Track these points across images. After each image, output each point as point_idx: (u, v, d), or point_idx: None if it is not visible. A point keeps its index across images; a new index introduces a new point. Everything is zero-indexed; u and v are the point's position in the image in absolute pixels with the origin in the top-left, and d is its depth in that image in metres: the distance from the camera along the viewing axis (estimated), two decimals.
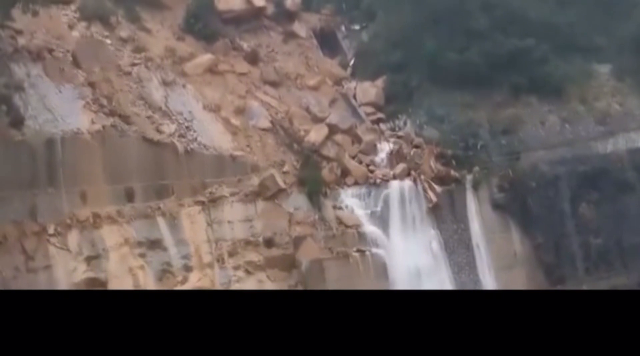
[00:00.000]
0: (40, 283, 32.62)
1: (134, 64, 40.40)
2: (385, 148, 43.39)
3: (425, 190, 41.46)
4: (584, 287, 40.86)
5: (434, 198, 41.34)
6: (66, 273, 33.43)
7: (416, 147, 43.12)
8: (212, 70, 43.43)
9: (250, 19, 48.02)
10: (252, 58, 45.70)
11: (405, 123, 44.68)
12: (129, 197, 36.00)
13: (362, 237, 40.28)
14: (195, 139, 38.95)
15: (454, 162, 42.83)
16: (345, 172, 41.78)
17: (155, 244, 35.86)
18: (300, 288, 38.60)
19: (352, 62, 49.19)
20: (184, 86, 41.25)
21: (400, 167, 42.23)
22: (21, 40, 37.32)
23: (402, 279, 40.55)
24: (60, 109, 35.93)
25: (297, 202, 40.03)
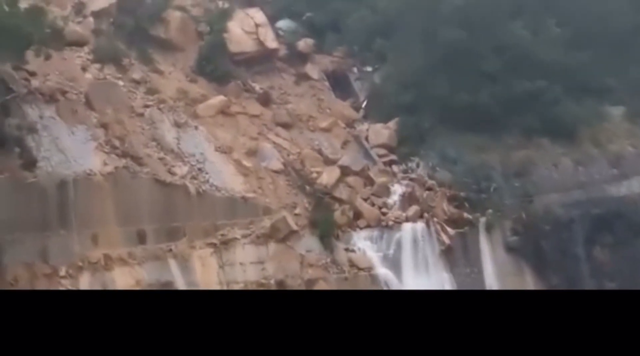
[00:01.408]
0: None
1: (146, 106, 40.53)
2: (397, 190, 43.20)
3: (438, 233, 41.29)
4: None
5: (446, 241, 41.15)
6: None
7: (429, 189, 42.99)
8: (224, 112, 43.48)
9: (262, 60, 48.12)
10: (264, 100, 45.77)
11: (417, 166, 44.53)
12: (141, 238, 35.93)
13: (374, 279, 40.08)
14: (207, 181, 38.92)
15: (466, 205, 42.65)
16: (357, 215, 41.62)
17: (166, 286, 35.65)
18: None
19: (364, 104, 49.18)
20: (196, 128, 41.28)
21: (413, 209, 42.05)
22: (34, 82, 37.51)
23: None
24: (72, 151, 36.02)
25: (309, 244, 39.87)
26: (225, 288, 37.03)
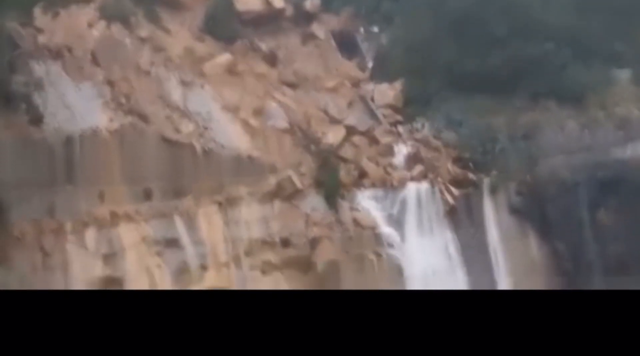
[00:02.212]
0: (56, 280, 32.78)
1: (152, 64, 40.51)
2: (402, 150, 43.31)
3: (442, 193, 41.36)
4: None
5: (451, 201, 41.24)
6: (83, 271, 33.59)
7: (434, 150, 43.01)
8: (230, 70, 43.48)
9: (269, 20, 48.02)
10: (271, 59, 45.74)
11: (423, 126, 44.55)
12: (147, 195, 36.14)
13: (378, 238, 40.27)
14: (213, 139, 39.03)
15: (471, 166, 42.66)
16: (362, 174, 41.76)
17: (172, 243, 35.99)
18: (316, 288, 38.66)
19: (370, 65, 49.13)
20: (202, 86, 41.32)
21: (418, 170, 42.15)
22: (41, 39, 37.56)
23: (417, 281, 40.49)
24: (79, 107, 36.14)
25: (314, 203, 40.03)
26: (230, 245, 37.35)
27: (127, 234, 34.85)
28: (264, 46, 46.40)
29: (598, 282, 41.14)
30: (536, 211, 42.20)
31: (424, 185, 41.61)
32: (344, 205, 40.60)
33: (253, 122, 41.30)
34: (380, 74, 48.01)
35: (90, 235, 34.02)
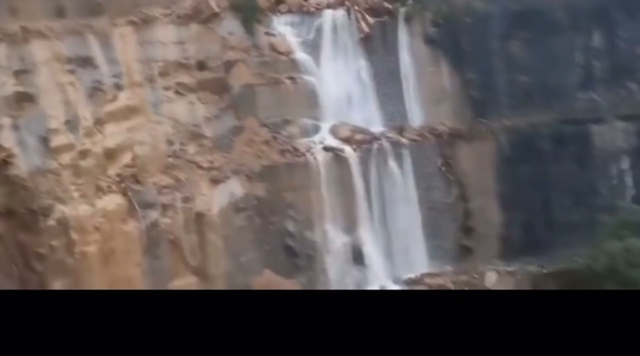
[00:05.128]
0: None
1: None
2: None
3: (357, 21, 41.82)
4: (506, 122, 42.23)
5: (366, 29, 41.78)
6: None
7: None
8: None
9: None
10: None
11: None
12: (60, 12, 35.88)
13: (293, 64, 40.94)
14: None
15: None
16: (279, 0, 41.86)
17: (86, 61, 36.05)
18: (230, 112, 39.49)
19: None
20: None
21: None
22: None
23: (332, 107, 41.55)
24: None
25: (230, 27, 40.26)
26: (145, 66, 37.66)
27: (40, 51, 34.77)
28: None
29: (505, 111, 42.67)
30: (449, 41, 42.98)
31: (340, 12, 42.00)
32: (261, 29, 40.91)
33: None
34: None
35: (2, 51, 33.88)
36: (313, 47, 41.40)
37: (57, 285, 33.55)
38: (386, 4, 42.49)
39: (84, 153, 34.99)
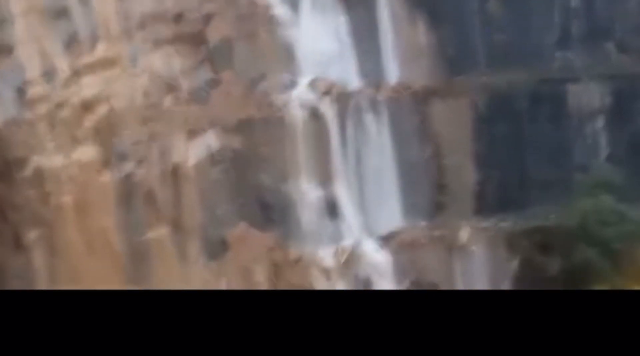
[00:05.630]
0: None
1: None
2: None
3: None
4: (482, 81, 42.55)
5: None
6: None
7: None
8: None
9: None
10: None
11: None
12: None
13: (272, 18, 40.96)
14: None
15: None
16: None
17: (62, 13, 36.13)
18: (207, 65, 39.68)
19: None
20: None
21: None
22: None
23: (309, 63, 41.73)
24: None
25: None
26: (122, 18, 37.74)
27: (17, 2, 34.86)
28: None
29: (481, 68, 42.98)
30: None
31: None
32: None
33: None
34: None
35: None
36: (292, 1, 41.43)
37: (32, 235, 34.05)
38: None
39: (60, 105, 35.27)
